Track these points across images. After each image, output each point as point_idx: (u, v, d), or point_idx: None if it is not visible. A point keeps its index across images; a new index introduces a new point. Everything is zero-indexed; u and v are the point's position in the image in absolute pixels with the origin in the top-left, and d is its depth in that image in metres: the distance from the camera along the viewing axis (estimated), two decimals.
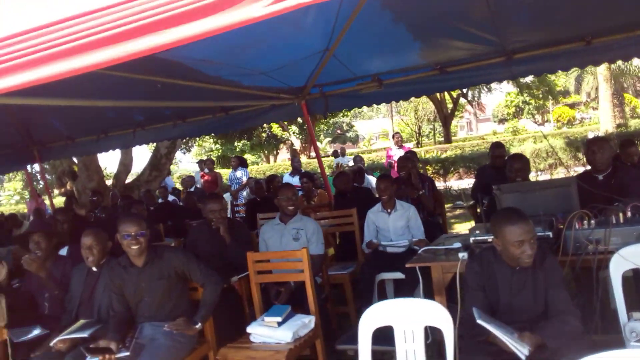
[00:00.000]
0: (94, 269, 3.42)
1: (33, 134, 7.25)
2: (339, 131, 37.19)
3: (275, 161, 31.46)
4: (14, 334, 3.31)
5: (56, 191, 12.58)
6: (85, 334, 3.06)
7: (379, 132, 46.95)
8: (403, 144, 9.39)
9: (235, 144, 27.99)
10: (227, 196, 10.35)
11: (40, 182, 27.24)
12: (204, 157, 30.73)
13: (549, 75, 23.50)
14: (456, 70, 5.14)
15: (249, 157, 28.96)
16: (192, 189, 9.16)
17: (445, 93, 23.28)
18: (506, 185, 3.54)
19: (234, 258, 3.84)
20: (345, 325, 4.17)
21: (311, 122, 19.83)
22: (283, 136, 27.81)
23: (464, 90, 23.77)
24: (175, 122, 6.63)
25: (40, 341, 3.29)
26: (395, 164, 8.74)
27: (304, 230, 3.93)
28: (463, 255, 2.97)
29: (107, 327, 3.16)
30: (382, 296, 4.29)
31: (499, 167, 5.17)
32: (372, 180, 7.83)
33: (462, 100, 28.76)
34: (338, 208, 5.32)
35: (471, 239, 3.12)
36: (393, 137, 9.75)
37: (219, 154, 28.71)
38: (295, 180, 8.72)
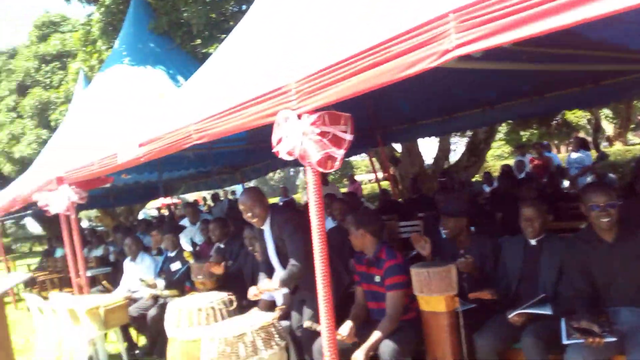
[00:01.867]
0: (533, 242, 3.16)
1: (379, 117, 7.62)
2: None
3: (566, 151, 28.38)
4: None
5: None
6: (548, 311, 2.80)
7: None
8: None
9: (522, 133, 26.05)
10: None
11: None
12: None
13: None
14: None
15: None
16: (522, 174, 8.56)
17: None
18: None
19: None
20: None
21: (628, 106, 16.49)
22: (579, 123, 24.71)
23: None
24: (532, 97, 6.14)
25: None
26: None
27: None
28: None
29: (561, 306, 2.85)
30: None
31: None
32: None
33: None
34: None
35: None
36: None
37: (503, 143, 27.11)
38: None
